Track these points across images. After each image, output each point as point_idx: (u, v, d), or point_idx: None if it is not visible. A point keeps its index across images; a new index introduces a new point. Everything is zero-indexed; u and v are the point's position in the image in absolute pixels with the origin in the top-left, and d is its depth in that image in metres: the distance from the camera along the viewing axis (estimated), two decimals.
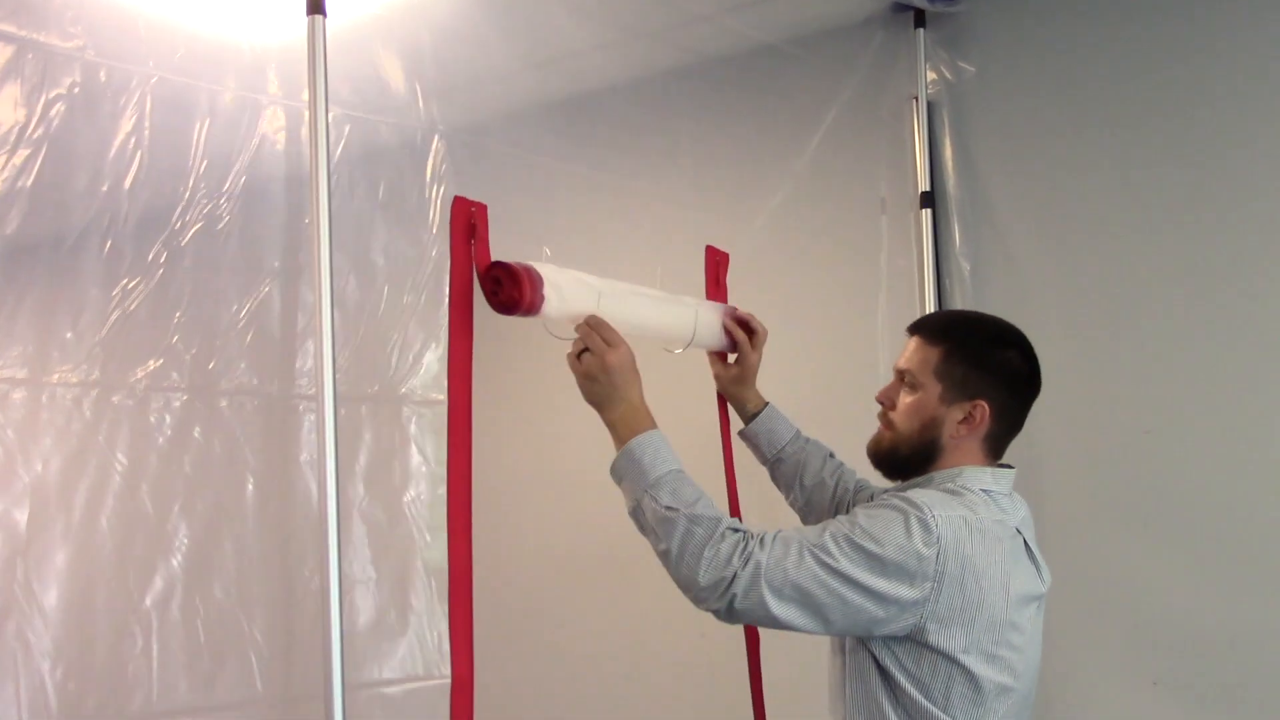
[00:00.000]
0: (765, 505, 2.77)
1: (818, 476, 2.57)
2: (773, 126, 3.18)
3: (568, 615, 3.57)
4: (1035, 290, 3.23)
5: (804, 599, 1.92)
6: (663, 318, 2.46)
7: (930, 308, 3.31)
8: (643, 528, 2.02)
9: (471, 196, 2.25)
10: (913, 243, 3.36)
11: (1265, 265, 2.91)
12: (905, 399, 2.17)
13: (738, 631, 2.67)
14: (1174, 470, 3.01)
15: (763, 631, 2.69)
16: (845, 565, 1.92)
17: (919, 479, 2.15)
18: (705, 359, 2.70)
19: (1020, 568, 2.09)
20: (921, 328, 2.22)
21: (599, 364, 2.11)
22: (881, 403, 2.23)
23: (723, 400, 2.69)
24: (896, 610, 1.94)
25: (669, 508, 1.96)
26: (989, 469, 2.14)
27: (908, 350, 2.20)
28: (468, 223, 2.22)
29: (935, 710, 1.98)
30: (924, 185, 3.35)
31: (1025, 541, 2.13)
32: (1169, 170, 3.03)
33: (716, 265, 2.75)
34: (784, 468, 2.61)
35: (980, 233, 3.33)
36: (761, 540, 1.95)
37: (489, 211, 2.26)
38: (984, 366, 2.13)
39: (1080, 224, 3.18)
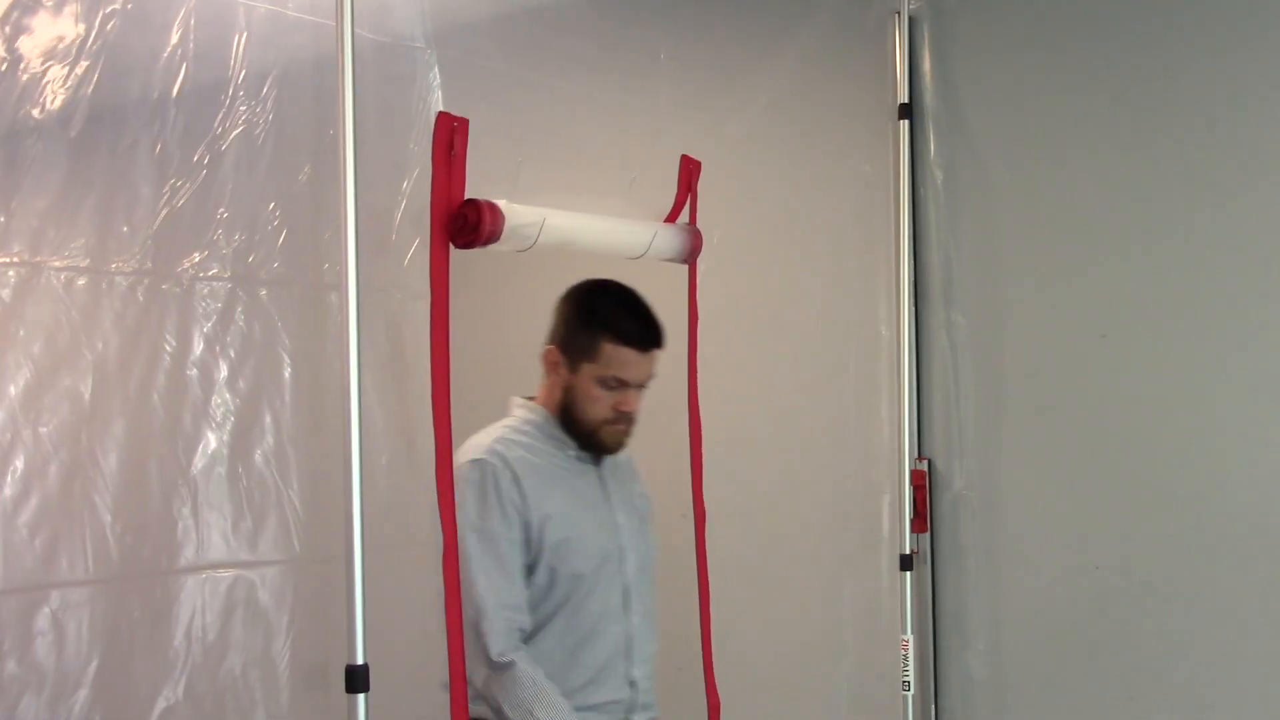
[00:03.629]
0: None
1: None
2: (753, 38, 3.29)
3: None
4: (1003, 197, 3.44)
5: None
6: (609, 232, 2.71)
7: (905, 214, 3.51)
8: None
9: (459, 109, 2.40)
10: (889, 151, 3.55)
11: (1230, 182, 3.09)
12: None
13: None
14: (1128, 374, 3.24)
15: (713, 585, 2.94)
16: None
17: None
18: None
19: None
20: None
21: None
22: None
23: (693, 376, 2.92)
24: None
25: None
26: (521, 400, 2.55)
27: None
28: (449, 138, 2.37)
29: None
30: (902, 97, 3.53)
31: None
32: (1140, 88, 3.22)
33: (690, 173, 2.93)
34: None
35: (954, 143, 3.52)
36: None
37: (474, 124, 2.41)
38: (552, 325, 2.53)
39: (1050, 137, 3.37)
